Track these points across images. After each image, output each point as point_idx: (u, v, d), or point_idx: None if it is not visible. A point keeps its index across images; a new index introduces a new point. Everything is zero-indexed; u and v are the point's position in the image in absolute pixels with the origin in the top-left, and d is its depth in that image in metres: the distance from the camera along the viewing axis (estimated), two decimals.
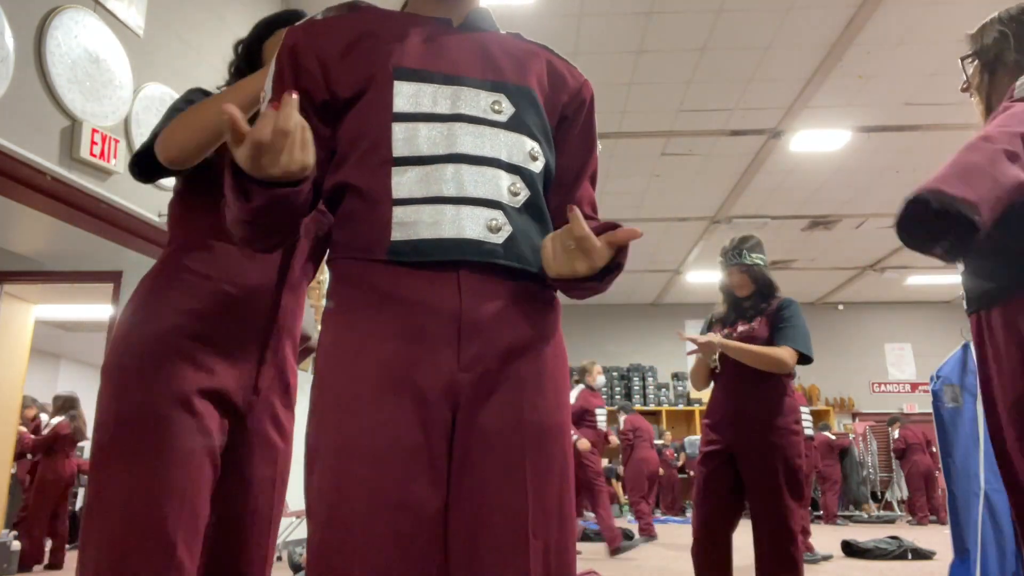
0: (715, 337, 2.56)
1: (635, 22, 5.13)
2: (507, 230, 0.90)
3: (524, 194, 0.94)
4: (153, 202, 3.34)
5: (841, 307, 12.57)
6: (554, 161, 1.01)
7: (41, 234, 4.51)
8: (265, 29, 1.45)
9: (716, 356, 2.62)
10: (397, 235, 0.88)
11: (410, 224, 0.88)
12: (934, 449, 9.96)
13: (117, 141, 3.19)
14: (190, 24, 3.81)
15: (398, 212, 0.88)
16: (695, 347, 2.62)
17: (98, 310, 6.83)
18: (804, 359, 2.52)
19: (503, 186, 0.91)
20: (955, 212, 1.08)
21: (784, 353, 2.47)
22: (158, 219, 3.69)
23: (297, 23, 1.00)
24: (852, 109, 6.17)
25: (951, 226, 1.10)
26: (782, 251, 9.90)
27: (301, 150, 0.79)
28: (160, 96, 3.49)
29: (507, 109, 0.95)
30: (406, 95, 0.92)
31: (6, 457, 5.43)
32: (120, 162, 3.19)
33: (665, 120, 6.46)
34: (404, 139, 0.90)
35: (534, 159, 0.96)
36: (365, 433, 0.84)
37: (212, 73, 4.01)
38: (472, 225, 0.88)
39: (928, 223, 1.12)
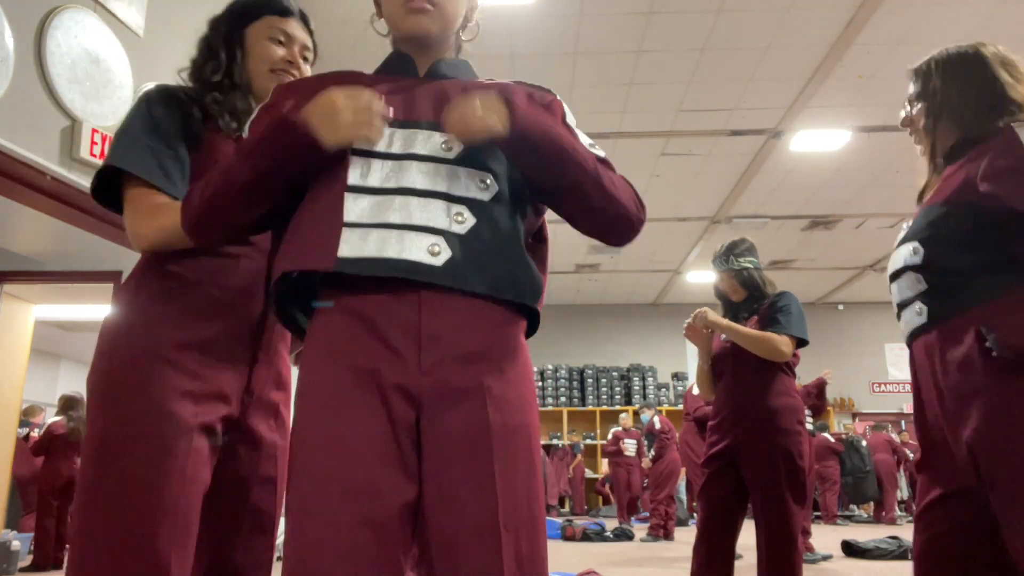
0: (710, 313, 2.58)
1: (635, 22, 5.13)
2: (446, 254, 0.97)
3: (471, 222, 1.01)
4: None
5: (841, 307, 12.57)
6: (522, 183, 1.08)
7: (41, 234, 4.50)
8: (247, 12, 1.41)
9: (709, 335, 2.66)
10: (344, 252, 0.96)
11: (356, 243, 0.96)
12: (908, 454, 10.14)
13: None
14: (190, 24, 3.80)
15: (346, 233, 0.97)
16: (695, 339, 2.64)
17: (98, 310, 6.82)
18: (800, 342, 2.52)
19: (445, 216, 1.00)
20: None
21: (778, 337, 2.47)
22: None
23: (281, 85, 1.11)
24: (852, 109, 6.17)
25: None
26: (782, 251, 9.90)
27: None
28: None
29: (457, 147, 1.03)
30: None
31: (6, 457, 5.43)
32: None
33: (665, 120, 6.46)
34: (357, 171, 1.00)
35: (483, 189, 1.03)
36: (333, 425, 0.92)
37: None
38: (413, 249, 0.97)
39: None
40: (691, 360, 12.81)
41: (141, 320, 1.22)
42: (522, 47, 5.30)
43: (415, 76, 1.12)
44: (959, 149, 1.49)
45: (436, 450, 0.94)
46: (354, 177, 1.00)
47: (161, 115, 1.28)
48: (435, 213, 0.99)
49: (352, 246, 0.96)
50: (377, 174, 1.00)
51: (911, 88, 1.60)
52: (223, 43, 1.40)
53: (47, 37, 2.87)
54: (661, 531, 7.02)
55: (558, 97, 1.17)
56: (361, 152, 1.01)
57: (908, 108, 1.61)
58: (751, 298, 2.67)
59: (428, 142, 1.03)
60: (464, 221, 1.00)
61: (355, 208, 0.98)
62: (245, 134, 1.09)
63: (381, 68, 1.15)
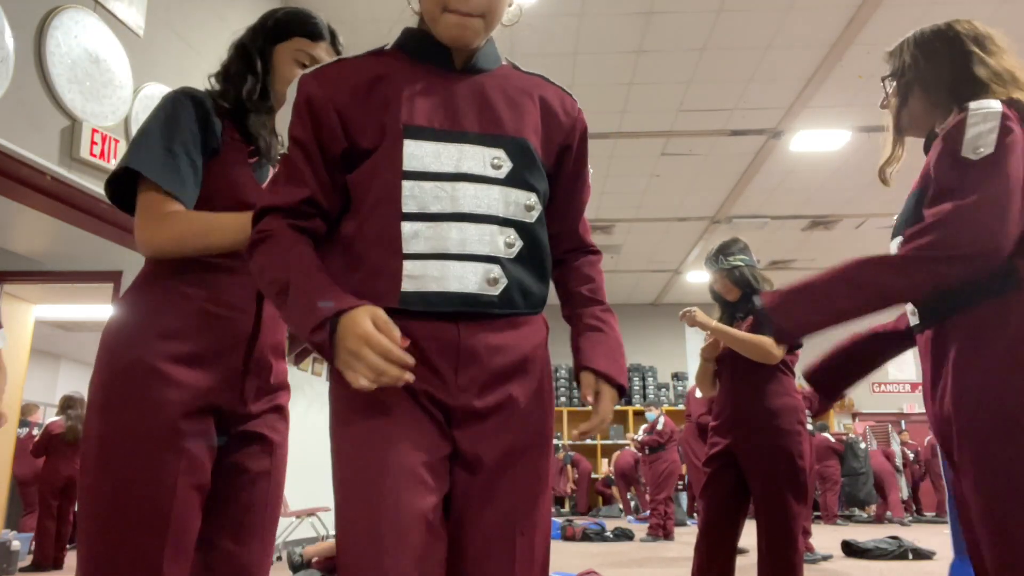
0: (699, 313, 2.58)
1: (635, 22, 5.13)
2: (503, 282, 1.01)
3: (519, 245, 1.03)
4: None
5: None
6: (548, 196, 1.11)
7: (41, 234, 4.51)
8: (279, 30, 1.39)
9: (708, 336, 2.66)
10: (407, 287, 0.97)
11: (418, 277, 0.97)
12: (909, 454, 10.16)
13: (117, 141, 3.19)
14: (190, 24, 3.81)
15: (408, 266, 0.97)
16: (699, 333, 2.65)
17: (98, 310, 6.83)
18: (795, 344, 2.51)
19: (499, 241, 1.01)
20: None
21: (766, 340, 2.43)
22: None
23: (307, 71, 1.04)
24: (852, 109, 6.16)
25: None
26: (782, 251, 9.90)
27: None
28: (160, 96, 3.49)
29: (506, 164, 1.03)
30: (414, 155, 0.99)
31: (6, 457, 5.44)
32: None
33: (665, 120, 6.46)
34: (412, 196, 0.99)
35: (529, 210, 1.05)
36: (380, 429, 0.95)
37: (210, 70, 4.00)
38: (473, 279, 0.99)
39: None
40: (691, 359, 12.81)
41: (137, 332, 1.23)
42: (522, 47, 5.30)
43: (451, 68, 1.07)
44: (932, 131, 1.48)
45: (467, 463, 0.99)
46: (409, 205, 0.98)
47: (183, 120, 1.28)
48: (491, 240, 1.01)
49: (415, 281, 0.97)
50: (431, 200, 0.99)
51: (885, 68, 1.57)
52: (259, 56, 1.38)
53: (47, 37, 2.87)
54: (661, 531, 7.03)
55: (580, 109, 1.18)
56: (413, 175, 0.99)
57: (884, 88, 1.59)
58: (746, 297, 2.66)
59: (477, 159, 1.02)
60: (514, 245, 1.03)
61: (413, 238, 0.98)
62: (273, 154, 1.09)
63: (410, 47, 1.08)
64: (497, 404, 1.00)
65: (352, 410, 0.98)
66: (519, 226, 1.03)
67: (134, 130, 3.31)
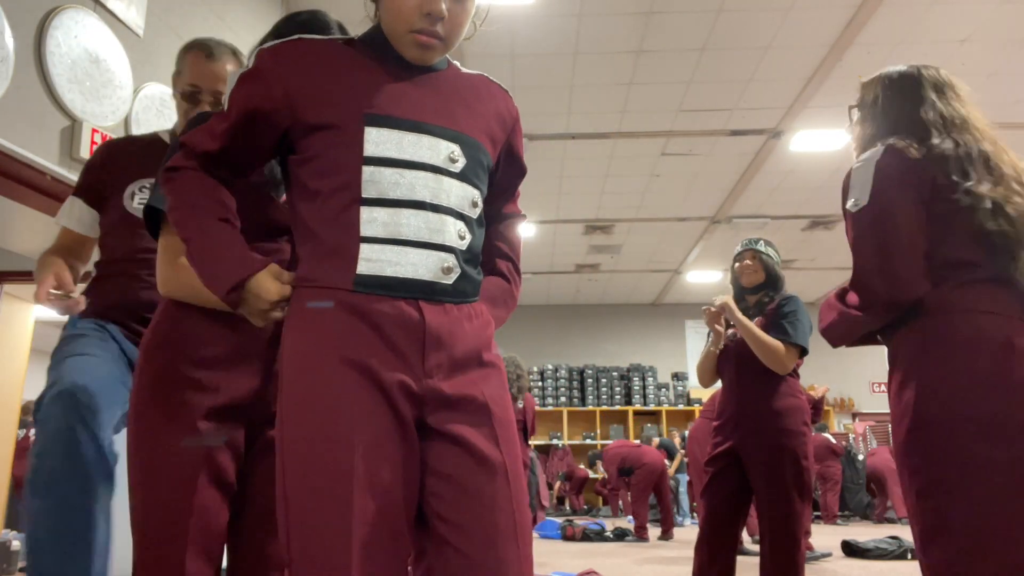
0: (731, 302, 2.57)
1: (635, 22, 5.13)
2: (456, 272, 1.04)
3: (468, 238, 1.07)
4: None
5: None
6: (487, 188, 1.16)
7: (41, 234, 4.50)
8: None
9: (724, 334, 2.65)
10: (363, 269, 0.99)
11: (375, 261, 1.00)
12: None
13: None
14: (190, 24, 3.81)
15: (364, 249, 1.00)
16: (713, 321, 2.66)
17: None
18: (803, 352, 2.53)
19: (454, 232, 1.05)
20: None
21: (783, 350, 2.48)
22: None
23: (266, 45, 1.08)
24: None
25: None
26: (782, 251, 9.81)
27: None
28: (160, 96, 3.49)
29: (460, 160, 1.07)
30: (375, 140, 1.02)
31: (6, 457, 5.43)
32: None
33: (665, 120, 6.46)
34: (371, 181, 1.01)
35: (475, 206, 1.09)
36: (340, 424, 0.94)
37: None
38: (428, 268, 1.02)
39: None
40: (691, 359, 12.81)
41: (166, 339, 1.31)
42: (522, 47, 5.30)
43: (408, 67, 1.09)
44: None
45: (441, 451, 0.99)
46: (368, 190, 1.01)
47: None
48: (446, 229, 1.04)
49: (371, 264, 0.99)
50: (390, 186, 1.01)
51: (854, 97, 1.73)
52: None
53: (47, 37, 2.87)
54: (644, 532, 7.09)
55: (517, 110, 1.22)
56: (373, 161, 1.01)
57: (849, 116, 1.77)
58: (763, 289, 2.67)
59: (436, 150, 1.05)
60: (465, 237, 1.06)
61: (370, 222, 1.00)
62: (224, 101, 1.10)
63: (372, 43, 1.10)
64: (465, 395, 1.01)
65: (311, 410, 0.97)
66: (467, 220, 1.07)
67: (134, 130, 3.31)
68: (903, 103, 1.59)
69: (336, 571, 0.88)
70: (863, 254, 1.48)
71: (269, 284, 1.01)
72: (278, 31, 1.39)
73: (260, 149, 1.09)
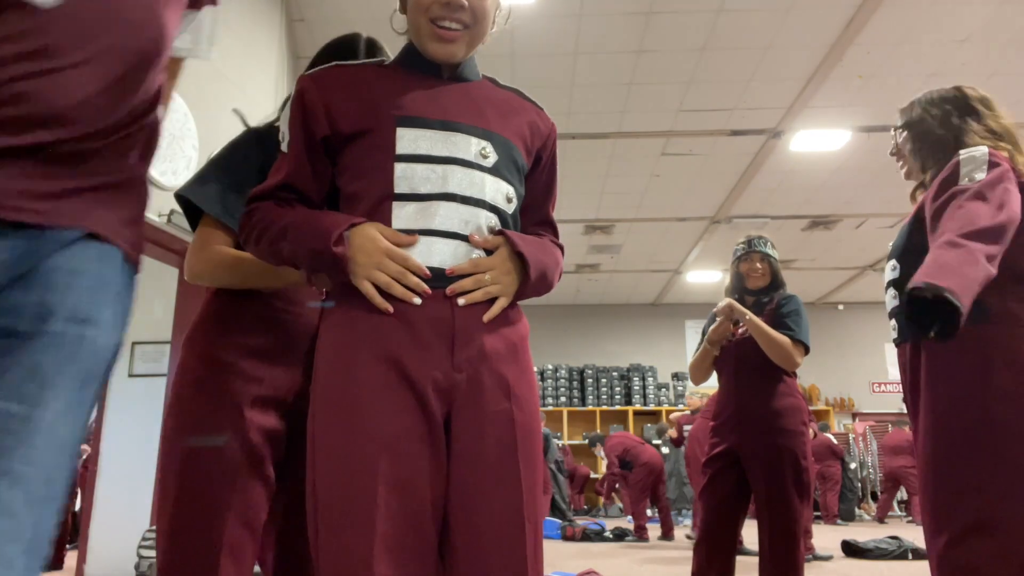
0: (737, 305, 2.56)
1: (635, 22, 5.13)
2: None
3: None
4: (154, 203, 3.32)
5: (841, 307, 12.56)
6: (523, 195, 1.17)
7: None
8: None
9: (733, 329, 2.64)
10: None
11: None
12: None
13: None
14: None
15: None
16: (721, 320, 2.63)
17: None
18: (806, 349, 2.54)
19: (484, 225, 1.06)
20: (943, 299, 1.26)
21: (792, 345, 2.48)
22: (158, 219, 3.69)
23: (306, 72, 1.14)
24: (852, 109, 6.17)
25: (940, 312, 1.30)
26: (782, 251, 9.82)
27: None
28: None
29: (492, 156, 1.09)
30: (407, 139, 1.05)
31: None
32: None
33: (665, 120, 6.46)
34: (403, 177, 1.04)
35: (509, 201, 1.11)
36: (365, 417, 0.96)
37: (212, 73, 4.01)
38: (458, 258, 1.03)
39: (922, 313, 1.32)
40: (691, 358, 12.73)
41: (207, 330, 1.33)
42: (522, 47, 5.31)
43: (439, 77, 1.14)
44: (922, 181, 1.70)
45: (466, 446, 1.00)
46: (400, 186, 1.03)
47: (241, 157, 1.39)
48: (475, 222, 1.05)
49: None
50: (421, 181, 1.03)
51: (898, 120, 1.79)
52: None
53: None
54: (644, 532, 7.10)
55: (554, 125, 1.23)
56: (405, 158, 1.04)
57: (894, 137, 1.80)
58: (766, 290, 2.67)
59: (467, 147, 1.07)
60: (496, 229, 1.08)
61: (401, 215, 1.03)
62: (283, 135, 1.13)
63: (404, 60, 1.16)
64: (493, 385, 1.02)
65: (339, 406, 0.99)
66: (501, 214, 1.08)
67: None
68: (951, 120, 1.66)
69: (359, 564, 0.90)
70: (984, 213, 1.41)
71: (375, 232, 1.01)
72: (314, 63, 1.45)
73: (321, 171, 1.11)
